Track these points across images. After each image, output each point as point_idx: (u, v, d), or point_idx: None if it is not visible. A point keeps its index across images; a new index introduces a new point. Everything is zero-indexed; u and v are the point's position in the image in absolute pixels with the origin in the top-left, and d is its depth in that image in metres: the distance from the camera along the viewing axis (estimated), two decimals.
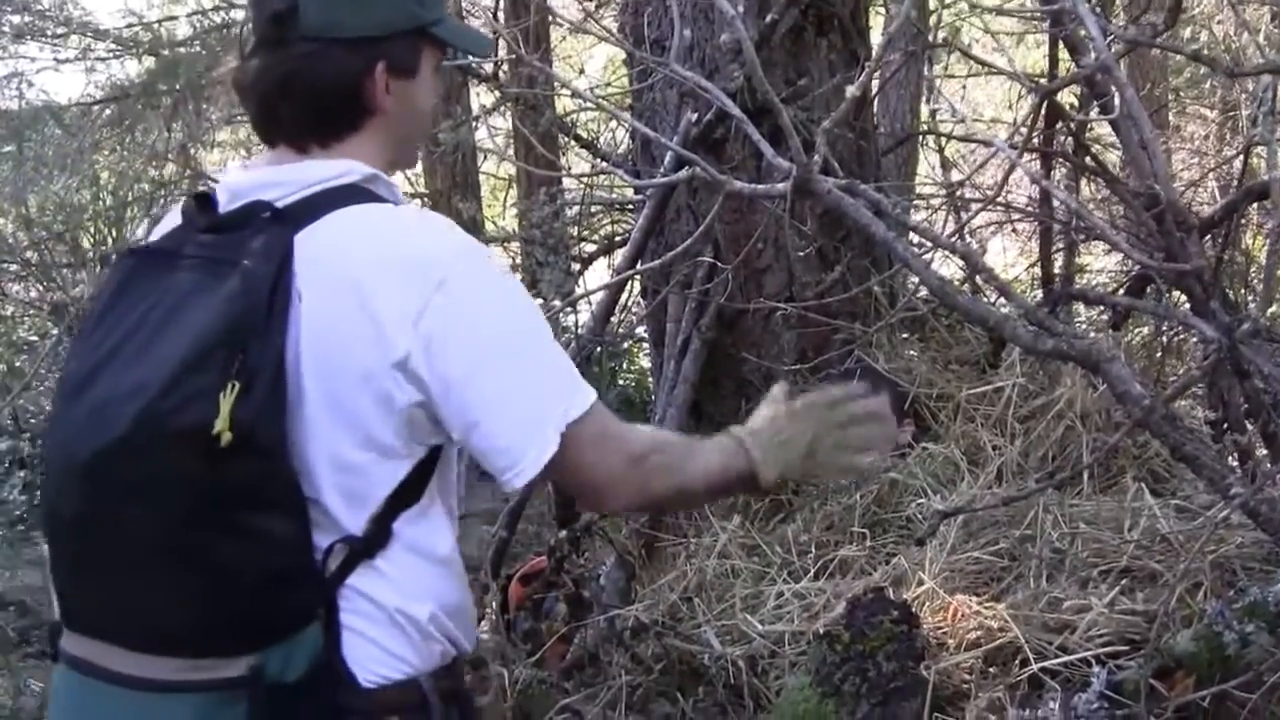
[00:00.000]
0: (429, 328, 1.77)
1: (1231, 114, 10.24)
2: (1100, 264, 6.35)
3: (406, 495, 1.87)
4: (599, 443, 1.90)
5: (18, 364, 11.83)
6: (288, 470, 1.77)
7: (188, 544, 1.73)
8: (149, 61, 8.48)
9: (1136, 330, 5.26)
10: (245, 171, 1.96)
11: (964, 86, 10.30)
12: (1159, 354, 4.66)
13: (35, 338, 12.71)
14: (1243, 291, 5.10)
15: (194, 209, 1.90)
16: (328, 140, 1.96)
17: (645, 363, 7.17)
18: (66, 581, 1.90)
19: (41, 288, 12.57)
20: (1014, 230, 6.72)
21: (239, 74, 1.97)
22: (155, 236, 1.98)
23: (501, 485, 1.87)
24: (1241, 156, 5.11)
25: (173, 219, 1.97)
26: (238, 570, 1.74)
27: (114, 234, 11.88)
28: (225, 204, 1.90)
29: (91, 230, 11.93)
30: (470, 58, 5.19)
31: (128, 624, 1.80)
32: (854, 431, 2.26)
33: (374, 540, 1.84)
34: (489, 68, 5.80)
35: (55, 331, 11.87)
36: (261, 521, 1.75)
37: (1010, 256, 7.96)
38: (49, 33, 8.65)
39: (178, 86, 7.16)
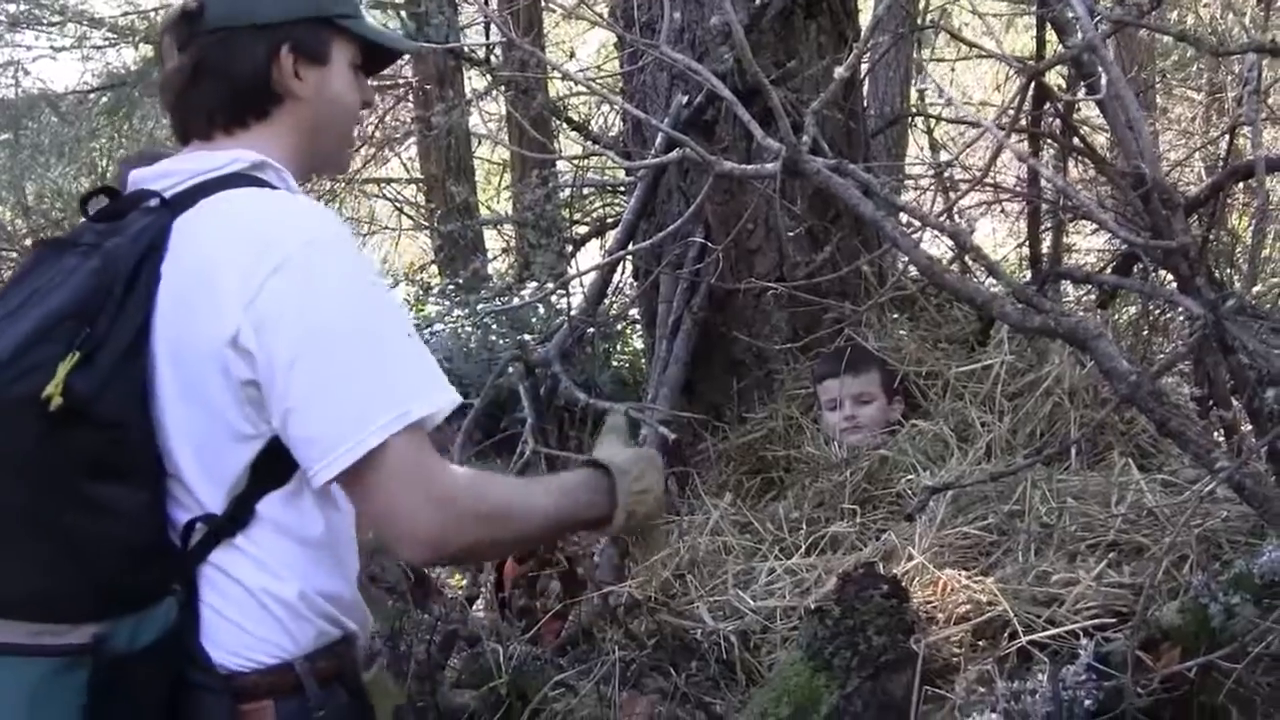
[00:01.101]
0: (262, 309, 1.78)
1: (1218, 96, 10.25)
2: (1088, 244, 6.38)
3: (269, 476, 1.88)
4: (416, 472, 1.82)
5: None
6: (137, 444, 1.80)
7: (31, 511, 1.75)
8: (145, 49, 8.48)
9: (1123, 310, 5.30)
10: (151, 165, 2.01)
11: (953, 69, 10.31)
12: (1145, 332, 4.69)
13: None
14: (1228, 271, 5.12)
15: (94, 201, 1.96)
16: (233, 129, 2.03)
17: (639, 344, 7.17)
18: None
19: None
20: (1002, 210, 6.73)
21: (161, 79, 2.06)
22: None
23: (310, 479, 1.83)
24: (1227, 137, 5.12)
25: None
26: (83, 540, 1.77)
27: None
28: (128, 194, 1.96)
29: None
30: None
31: None
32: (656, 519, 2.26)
33: (235, 519, 1.86)
34: (481, 52, 5.80)
35: None
36: (108, 493, 1.78)
37: (999, 237, 7.98)
38: (45, 21, 8.65)
39: None
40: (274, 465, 1.87)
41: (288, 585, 1.89)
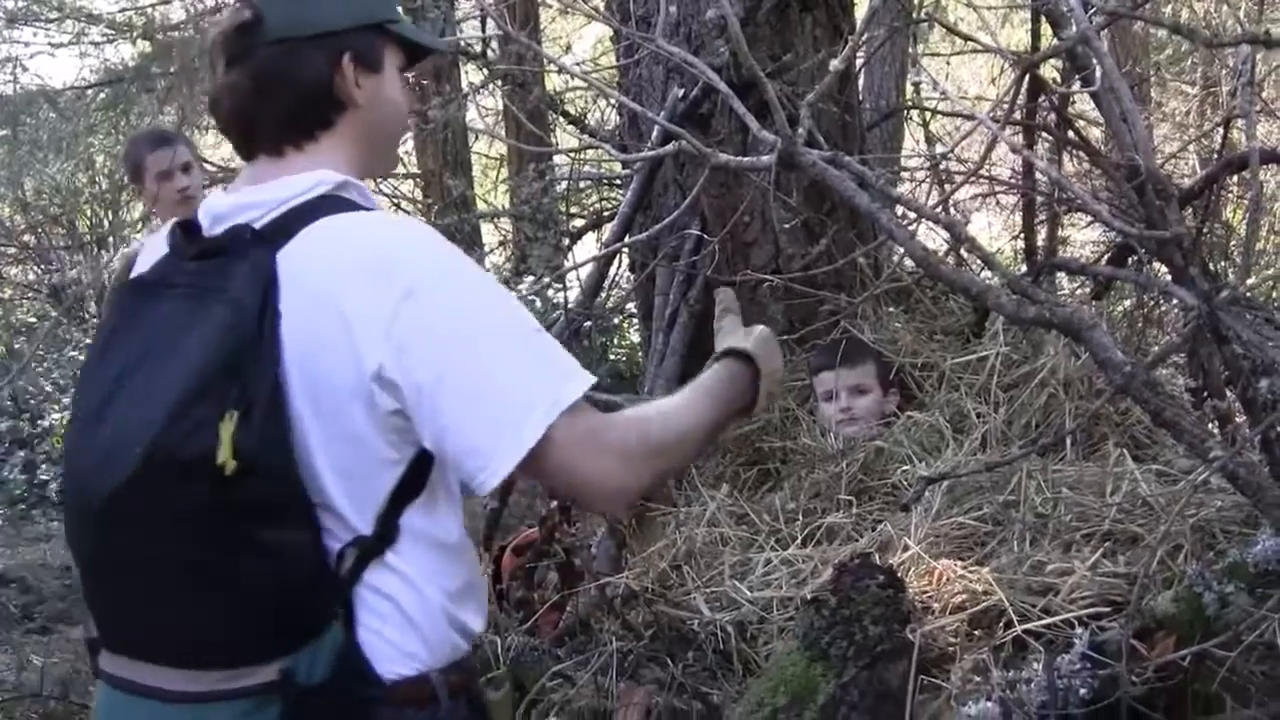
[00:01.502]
0: (399, 337, 1.80)
1: (1212, 90, 10.27)
2: (1083, 237, 6.39)
3: (408, 490, 1.92)
4: (588, 440, 1.89)
5: (16, 346, 11.85)
6: (295, 485, 1.82)
7: (207, 566, 1.80)
8: (143, 45, 8.49)
9: (1118, 304, 5.31)
10: (226, 195, 2.00)
11: (948, 63, 10.32)
12: (1140, 324, 4.69)
13: (34, 320, 12.74)
14: (1223, 264, 5.13)
15: (178, 237, 1.95)
16: (302, 141, 2.01)
17: (636, 338, 7.19)
18: (99, 609, 1.97)
19: (39, 270, 12.58)
20: (997, 202, 6.74)
21: (213, 93, 2.03)
22: (143, 264, 2.03)
23: (475, 490, 1.88)
24: (1221, 129, 5.14)
25: (157, 244, 2.03)
26: (259, 584, 1.81)
27: (110, 217, 11.89)
28: (208, 228, 1.96)
29: (87, 213, 11.95)
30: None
31: (162, 645, 1.88)
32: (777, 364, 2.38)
33: (384, 537, 1.90)
34: (477, 46, 5.81)
35: (54, 314, 11.88)
36: (275, 535, 1.82)
37: (994, 231, 7.99)
38: (43, 17, 8.66)
39: (171, 70, 7.17)
40: (413, 480, 1.92)
41: (429, 595, 1.94)
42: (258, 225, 1.91)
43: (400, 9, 2.13)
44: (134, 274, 2.03)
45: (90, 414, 1.87)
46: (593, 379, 1.93)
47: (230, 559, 1.80)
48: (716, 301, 2.54)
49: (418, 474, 1.92)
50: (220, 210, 1.97)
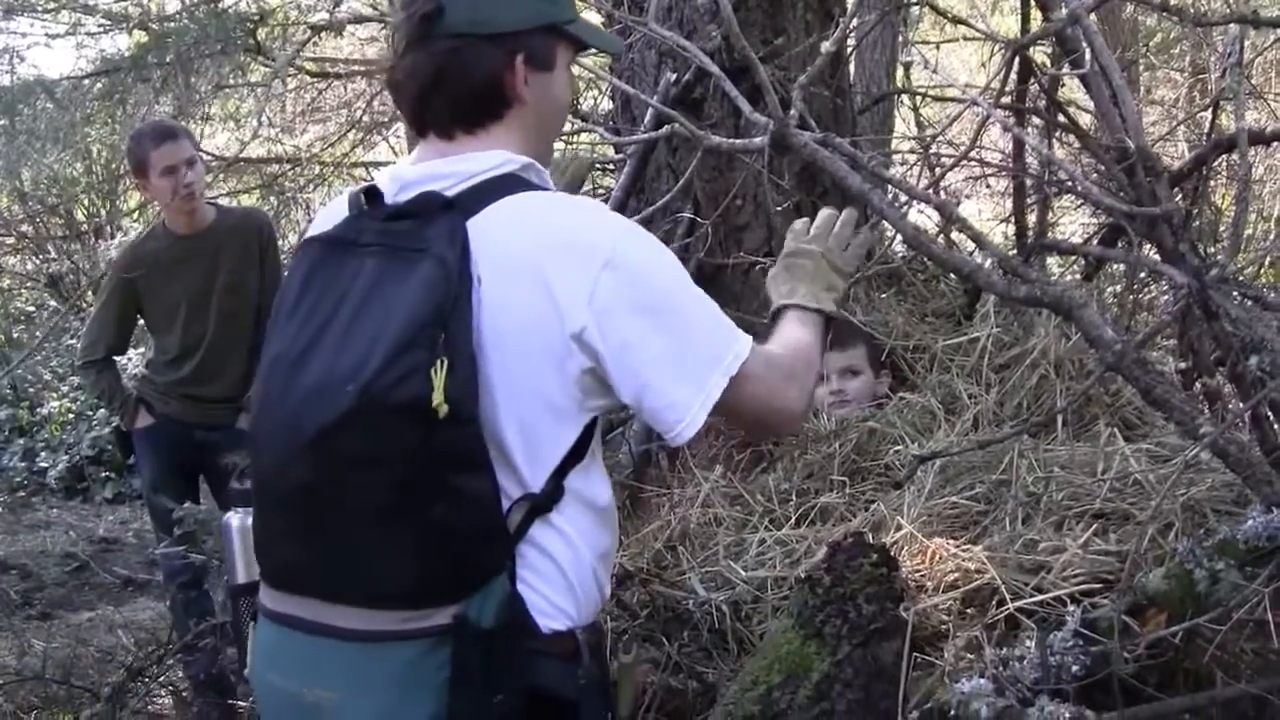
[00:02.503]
0: (602, 303, 1.96)
1: (1201, 76, 10.29)
2: (1073, 219, 6.40)
3: (577, 452, 2.05)
4: (763, 378, 2.11)
5: (15, 335, 11.85)
6: (482, 436, 1.94)
7: (406, 506, 1.91)
8: (139, 35, 8.47)
9: (1109, 289, 5.32)
10: (412, 165, 2.14)
11: (938, 49, 10.33)
12: (1130, 304, 4.71)
13: (32, 309, 12.74)
14: (1212, 249, 5.15)
15: (364, 200, 2.09)
16: (473, 129, 2.14)
17: None
18: (285, 547, 2.08)
19: (37, 260, 12.58)
20: (987, 186, 6.75)
21: (393, 72, 2.16)
22: (322, 226, 2.16)
23: (671, 440, 2.06)
24: (1210, 112, 5.15)
25: (336, 210, 2.17)
26: (447, 528, 1.93)
27: (107, 206, 11.89)
28: (393, 195, 2.10)
29: (85, 203, 11.95)
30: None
31: (350, 583, 1.99)
32: (838, 230, 2.57)
33: (551, 495, 2.03)
34: None
35: (52, 303, 11.88)
36: (465, 482, 1.93)
37: (984, 217, 8.01)
38: (40, 8, 8.64)
39: (168, 60, 7.15)
40: (582, 441, 2.06)
41: (584, 555, 2.07)
42: (449, 194, 2.04)
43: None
44: (313, 233, 2.16)
45: (292, 360, 1.97)
46: (748, 336, 2.13)
47: (427, 502, 1.91)
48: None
49: (586, 437, 2.06)
50: (409, 178, 2.10)
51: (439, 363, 1.85)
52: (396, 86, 2.16)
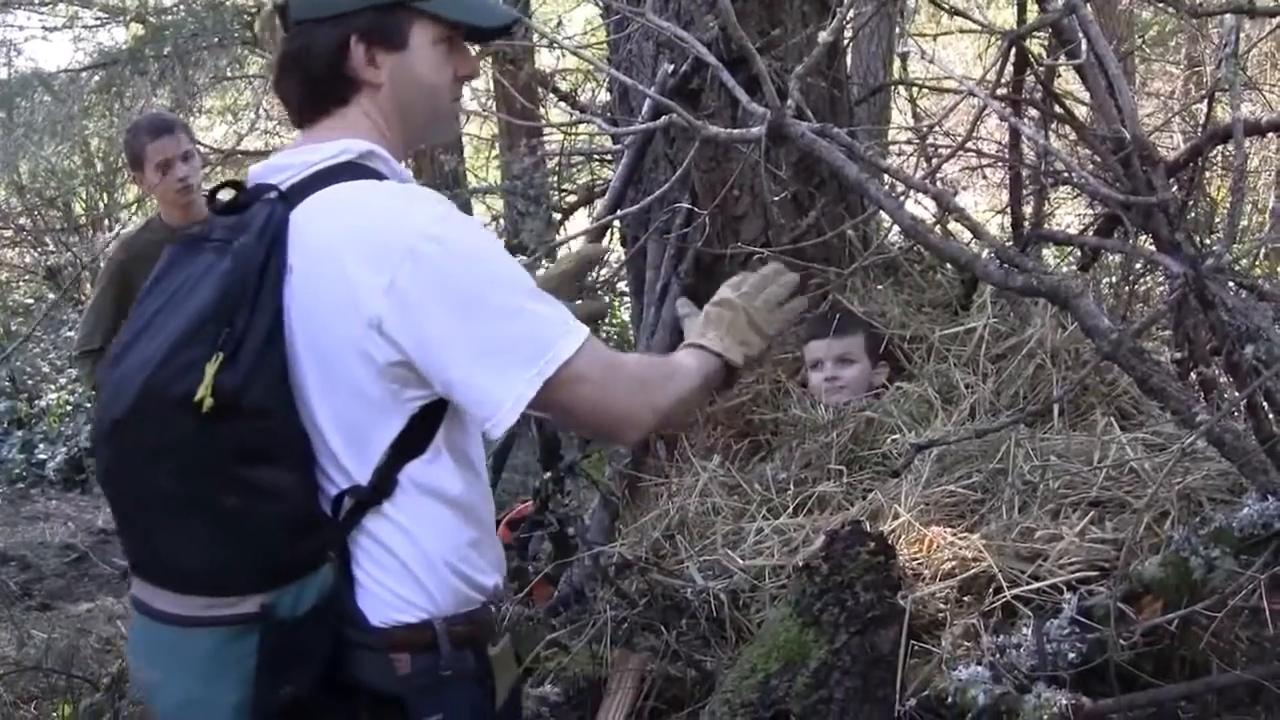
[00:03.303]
0: (401, 293, 1.91)
1: (1196, 69, 10.29)
2: (1069, 210, 6.42)
3: (410, 446, 2.01)
4: (599, 381, 2.03)
5: (14, 327, 11.85)
6: (286, 428, 1.95)
7: (195, 497, 1.91)
8: (135, 28, 8.48)
9: (1106, 279, 5.34)
10: (269, 161, 2.13)
11: (934, 40, 10.34)
12: (1126, 293, 4.73)
13: (31, 301, 12.73)
14: (1208, 241, 5.16)
15: (219, 195, 2.08)
16: (318, 116, 2.13)
17: (626, 315, 7.21)
18: (120, 531, 2.12)
19: (36, 253, 12.58)
20: (984, 177, 6.76)
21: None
22: None
23: (487, 433, 2.02)
24: (1205, 103, 5.16)
25: None
26: (243, 520, 1.92)
27: (105, 199, 11.88)
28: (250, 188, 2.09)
29: (83, 195, 11.95)
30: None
31: (162, 568, 2.01)
32: (770, 290, 2.48)
33: (380, 488, 2.00)
34: None
35: (51, 296, 11.86)
36: (262, 475, 1.93)
37: (981, 208, 8.02)
38: (37, 1, 8.64)
39: (165, 53, 7.15)
40: (417, 435, 2.02)
41: (428, 547, 2.04)
42: (284, 186, 2.03)
43: None
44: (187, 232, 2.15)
45: (116, 353, 1.99)
46: (586, 332, 2.04)
47: (216, 493, 1.90)
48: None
49: (423, 430, 2.02)
50: (258, 172, 2.10)
51: (215, 356, 1.86)
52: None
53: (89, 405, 10.13)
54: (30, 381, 10.95)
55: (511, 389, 1.94)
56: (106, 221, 11.95)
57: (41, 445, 10.11)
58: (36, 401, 10.73)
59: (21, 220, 12.20)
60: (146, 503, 1.97)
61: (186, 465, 1.90)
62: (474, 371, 1.95)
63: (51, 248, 12.47)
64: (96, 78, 7.94)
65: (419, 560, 2.03)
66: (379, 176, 2.07)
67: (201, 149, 7.15)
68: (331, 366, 1.96)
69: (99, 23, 8.97)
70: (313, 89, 2.11)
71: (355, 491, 1.99)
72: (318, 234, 1.97)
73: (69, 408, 10.43)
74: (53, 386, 10.82)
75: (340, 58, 2.09)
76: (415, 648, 2.02)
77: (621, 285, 6.27)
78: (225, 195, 2.07)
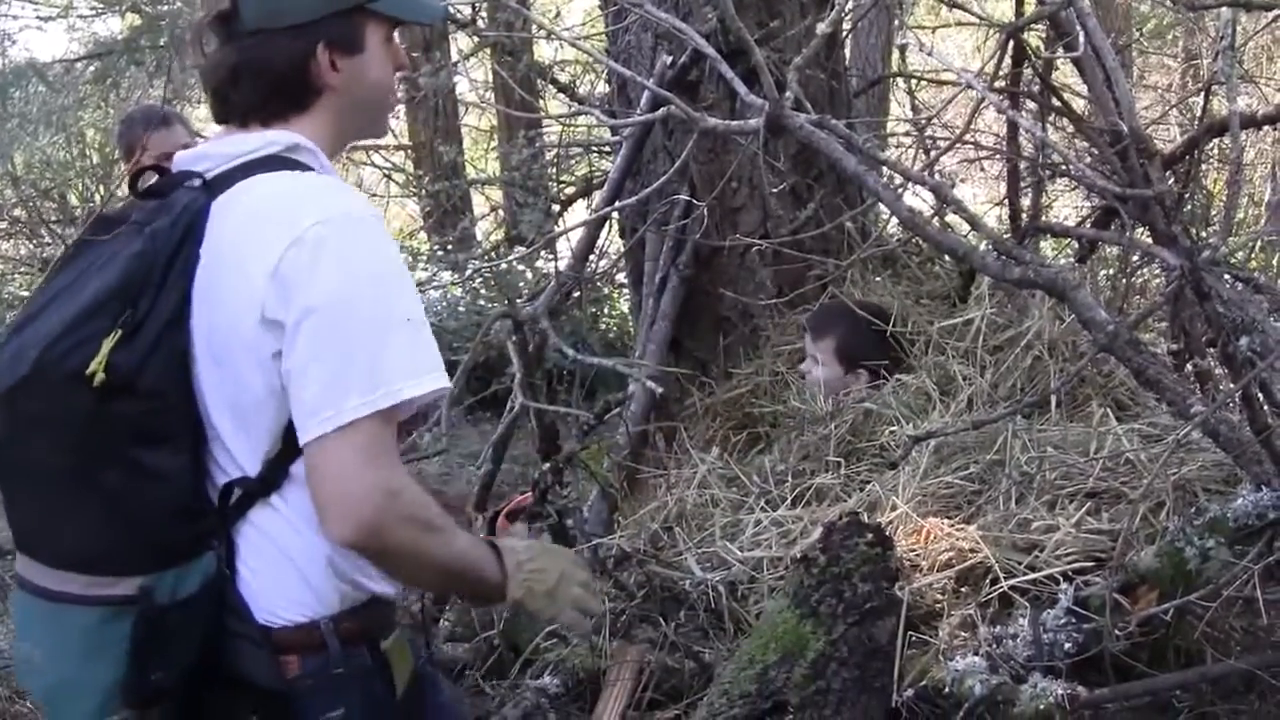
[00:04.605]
0: (282, 278, 1.89)
1: (1194, 62, 10.29)
2: (1067, 202, 6.42)
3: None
4: (372, 454, 1.88)
5: (8, 319, 11.81)
6: (177, 411, 1.93)
7: (81, 473, 1.90)
8: (131, 18, 8.45)
9: (1103, 272, 5.34)
10: (193, 147, 2.12)
11: (933, 32, 10.34)
12: (1123, 285, 4.73)
13: (25, 294, 12.69)
14: (1204, 234, 5.17)
15: (140, 179, 2.07)
16: (271, 121, 2.08)
17: (625, 308, 7.22)
18: (6, 503, 2.06)
19: (31, 245, 12.54)
20: (982, 169, 6.76)
21: (202, 67, 2.13)
22: None
23: (300, 439, 1.90)
24: (1203, 95, 5.16)
25: None
26: (127, 500, 1.91)
27: (101, 190, 11.83)
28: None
29: (78, 186, 11.90)
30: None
31: (43, 543, 1.99)
32: (584, 592, 2.28)
33: (269, 480, 1.98)
34: (467, 11, 5.80)
35: None
36: (150, 457, 1.91)
37: (979, 201, 8.02)
38: None
39: (161, 42, 7.13)
40: None
41: (312, 540, 1.99)
42: (209, 175, 2.02)
43: None
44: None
45: (17, 323, 1.98)
46: (445, 388, 1.96)
47: (103, 471, 1.89)
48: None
49: None
50: (182, 159, 2.08)
51: (113, 333, 1.85)
52: (202, 80, 2.14)
53: None
54: None
55: (337, 405, 1.86)
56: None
57: None
58: None
59: (16, 212, 12.14)
60: (32, 475, 1.95)
61: (75, 440, 1.88)
62: (309, 370, 1.88)
63: (47, 239, 12.42)
64: (92, 68, 7.92)
65: (304, 555, 1.99)
66: (303, 168, 2.05)
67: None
68: (226, 356, 1.94)
69: (94, 13, 8.93)
70: (271, 97, 2.07)
71: (243, 482, 1.98)
72: (227, 224, 1.96)
73: None
74: None
75: (304, 66, 2.06)
76: (304, 648, 2.00)
77: (620, 277, 6.28)
78: (148, 179, 2.06)
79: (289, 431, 1.94)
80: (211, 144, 2.09)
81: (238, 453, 1.97)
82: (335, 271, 1.89)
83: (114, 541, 1.92)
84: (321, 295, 1.88)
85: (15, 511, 2.03)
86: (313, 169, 2.07)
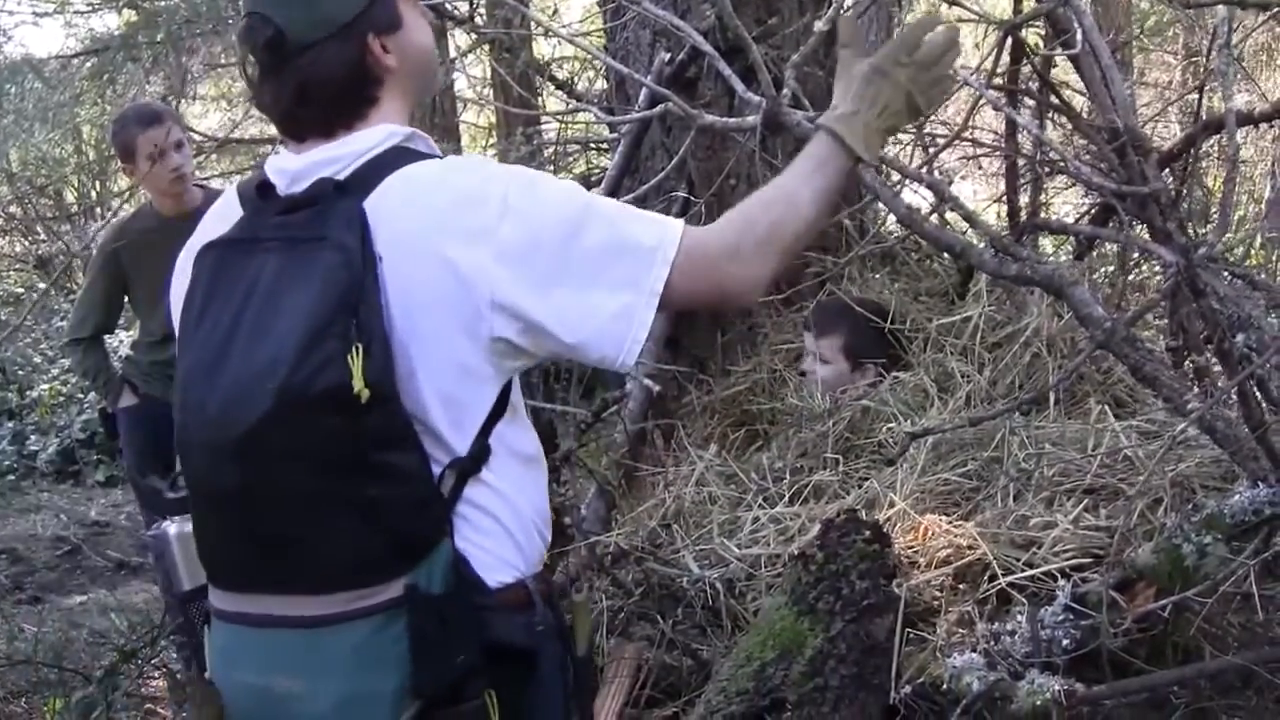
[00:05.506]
0: (510, 254, 1.93)
1: (1193, 59, 10.29)
2: (1065, 199, 6.42)
3: (498, 408, 2.03)
4: (691, 272, 2.01)
5: (4, 316, 11.83)
6: (404, 412, 1.94)
7: (342, 491, 1.92)
8: (128, 14, 8.44)
9: (1101, 269, 5.34)
10: (296, 155, 2.09)
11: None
12: (1120, 286, 4.73)
13: (21, 291, 12.70)
14: (1202, 231, 5.17)
15: (257, 196, 2.07)
16: (353, 124, 2.09)
17: None
18: (225, 548, 2.08)
19: (26, 241, 12.55)
20: (980, 166, 6.76)
21: (258, 99, 2.13)
22: (214, 229, 2.11)
23: (620, 368, 2.03)
24: (1199, 93, 5.16)
25: (225, 210, 2.13)
26: (383, 505, 1.93)
27: (97, 187, 11.84)
28: (285, 187, 2.06)
29: (74, 183, 11.90)
30: None
31: (294, 574, 1.99)
32: (939, 67, 2.37)
33: (478, 456, 2.01)
34: (465, 8, 5.80)
35: (41, 285, 11.83)
36: (395, 459, 1.93)
37: (977, 199, 8.03)
38: None
39: (158, 39, 7.12)
40: (502, 398, 2.03)
41: (519, 505, 2.06)
42: (340, 178, 2.00)
43: None
44: (209, 238, 2.10)
45: (208, 364, 1.96)
46: (680, 224, 2.04)
47: (362, 483, 1.91)
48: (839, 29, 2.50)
49: (505, 390, 2.04)
50: (295, 169, 2.06)
51: (354, 349, 1.86)
52: (266, 110, 2.14)
53: (81, 396, 10.11)
54: (21, 372, 10.91)
55: (626, 322, 1.97)
56: (98, 210, 11.91)
57: (33, 436, 10.06)
58: (28, 392, 10.67)
59: (12, 208, 12.15)
60: (288, 508, 1.96)
61: (330, 460, 1.90)
62: (587, 317, 1.97)
63: (43, 236, 12.44)
64: (89, 64, 7.89)
65: (514, 520, 2.05)
66: (430, 156, 2.08)
67: (196, 137, 7.13)
68: (434, 348, 1.95)
69: (91, 8, 8.92)
70: (342, 103, 2.08)
71: (456, 464, 2.00)
72: (402, 220, 1.96)
73: (61, 399, 10.38)
74: (44, 377, 10.76)
75: (362, 63, 2.07)
76: (518, 607, 2.05)
77: None
78: (256, 196, 2.07)
79: (496, 403, 2.01)
80: (326, 148, 2.07)
81: (447, 436, 1.99)
82: (551, 222, 1.96)
83: (374, 550, 1.94)
84: (553, 250, 1.94)
85: (251, 552, 2.03)
86: (432, 154, 2.09)
